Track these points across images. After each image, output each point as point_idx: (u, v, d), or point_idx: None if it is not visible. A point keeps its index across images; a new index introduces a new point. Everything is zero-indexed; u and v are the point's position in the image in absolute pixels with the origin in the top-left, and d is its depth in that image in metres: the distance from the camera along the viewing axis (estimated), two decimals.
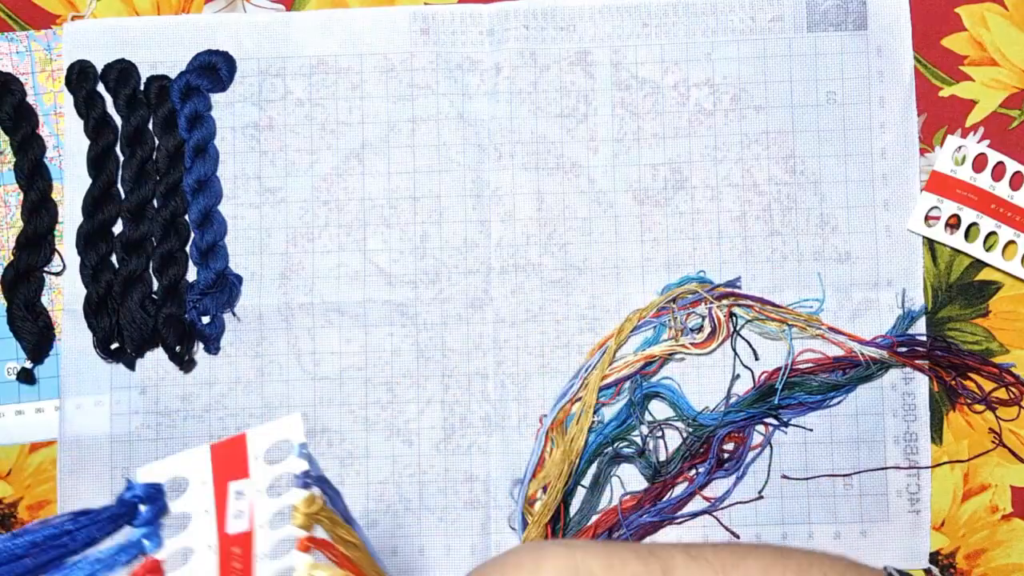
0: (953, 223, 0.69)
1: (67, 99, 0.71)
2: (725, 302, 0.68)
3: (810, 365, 0.68)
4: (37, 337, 0.69)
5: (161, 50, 0.71)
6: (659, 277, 0.70)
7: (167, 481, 0.43)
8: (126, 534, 0.43)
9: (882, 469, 0.68)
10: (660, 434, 0.68)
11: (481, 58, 0.71)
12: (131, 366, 0.69)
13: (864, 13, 0.70)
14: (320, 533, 0.44)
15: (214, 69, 0.70)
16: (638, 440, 0.68)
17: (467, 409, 0.70)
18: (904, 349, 0.68)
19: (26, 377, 0.69)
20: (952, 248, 0.69)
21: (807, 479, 0.68)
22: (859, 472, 0.68)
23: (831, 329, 0.68)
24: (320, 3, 0.72)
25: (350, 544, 0.46)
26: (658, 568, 0.47)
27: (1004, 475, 0.69)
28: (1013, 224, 0.68)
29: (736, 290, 0.69)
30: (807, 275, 0.69)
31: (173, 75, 0.70)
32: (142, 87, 0.70)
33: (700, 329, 0.68)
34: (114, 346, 0.69)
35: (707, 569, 0.48)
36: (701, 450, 0.68)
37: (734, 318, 0.69)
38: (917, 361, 0.68)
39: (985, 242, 0.68)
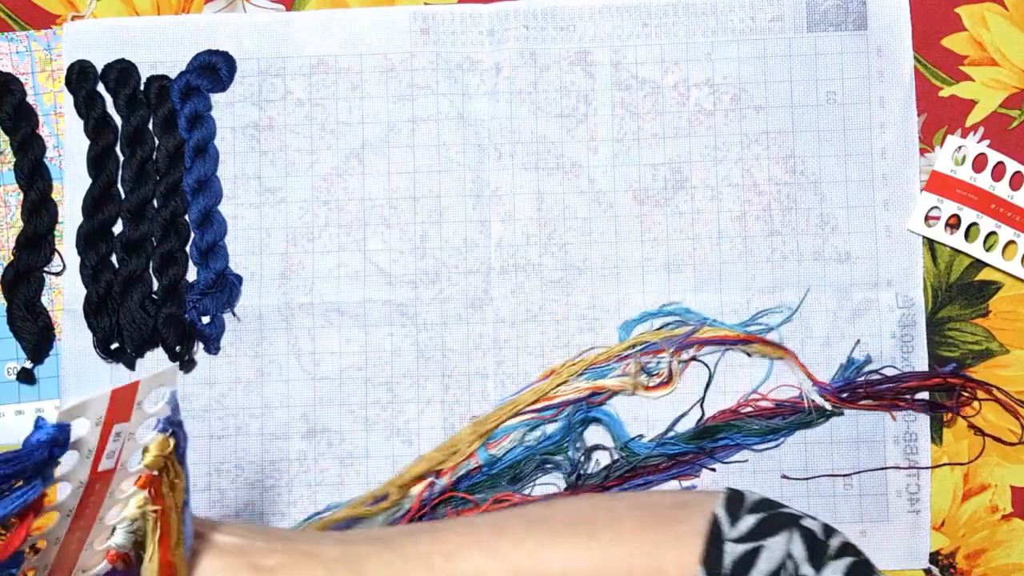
0: (953, 223, 0.69)
1: (67, 99, 0.71)
2: (685, 355, 0.69)
3: (751, 409, 0.69)
4: (37, 337, 0.69)
5: (161, 50, 0.71)
6: (659, 277, 0.70)
7: (72, 422, 0.43)
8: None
9: (882, 469, 0.68)
10: (588, 457, 0.69)
11: (481, 58, 0.71)
12: (131, 366, 0.69)
13: (864, 13, 0.70)
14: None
15: (214, 69, 0.70)
16: (569, 458, 0.68)
17: (467, 409, 0.70)
18: (846, 395, 0.68)
19: (26, 377, 0.69)
20: (952, 248, 0.69)
21: (807, 479, 0.68)
22: (859, 472, 0.68)
23: (794, 358, 0.68)
24: (320, 3, 0.72)
25: (176, 487, 0.49)
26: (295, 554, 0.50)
27: (1004, 475, 0.69)
28: (1013, 224, 0.68)
29: (701, 334, 0.69)
30: (807, 275, 0.69)
31: (173, 75, 0.70)
32: (142, 87, 0.70)
33: (657, 374, 0.69)
34: (114, 346, 0.69)
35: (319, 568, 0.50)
36: (627, 475, 0.68)
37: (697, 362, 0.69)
38: (863, 403, 0.68)
39: (985, 242, 0.68)
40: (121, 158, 0.70)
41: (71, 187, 0.70)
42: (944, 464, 0.68)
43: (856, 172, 0.70)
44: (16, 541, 0.42)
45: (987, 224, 0.68)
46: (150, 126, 0.70)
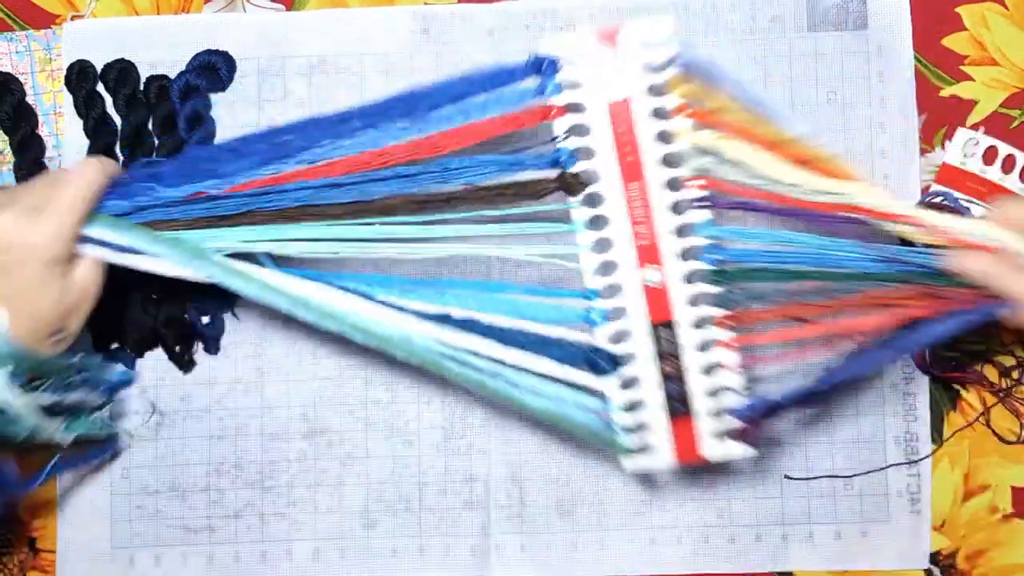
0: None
1: (67, 99, 0.70)
2: None
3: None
4: None
5: (161, 50, 0.71)
6: None
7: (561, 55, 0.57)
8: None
9: (882, 469, 0.68)
10: None
11: (481, 58, 0.70)
12: (131, 366, 0.69)
13: (864, 13, 0.70)
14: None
15: (214, 69, 0.70)
16: None
17: (467, 409, 0.70)
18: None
19: None
20: None
21: (808, 479, 0.68)
22: (859, 474, 0.68)
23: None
24: (320, 3, 0.71)
25: (728, 110, 0.56)
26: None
27: (1004, 475, 0.69)
28: None
29: None
30: None
31: (173, 75, 0.70)
32: (142, 87, 0.70)
33: None
34: (114, 346, 0.69)
35: None
36: None
37: None
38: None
39: None
40: (121, 158, 0.70)
41: None
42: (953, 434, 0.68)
43: (856, 172, 0.70)
44: None
45: None
46: (150, 126, 0.70)
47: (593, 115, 0.58)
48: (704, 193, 0.58)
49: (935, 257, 0.56)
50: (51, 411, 0.59)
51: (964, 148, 0.69)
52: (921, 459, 0.69)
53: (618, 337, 0.60)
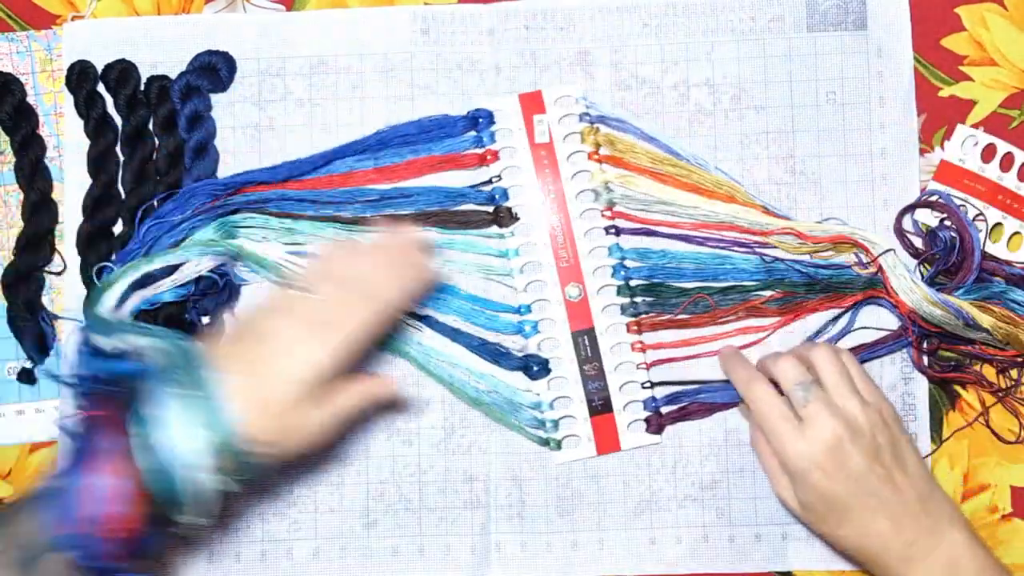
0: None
1: (67, 99, 0.71)
2: None
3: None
4: (37, 337, 0.69)
5: (161, 50, 0.71)
6: None
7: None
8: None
9: None
10: None
11: (481, 58, 0.71)
12: None
13: (864, 13, 0.70)
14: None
15: (214, 69, 0.70)
16: None
17: (467, 409, 0.70)
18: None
19: (26, 377, 0.69)
20: None
21: None
22: None
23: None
24: (320, 3, 0.72)
25: (632, 151, 0.68)
26: None
27: (1004, 475, 0.69)
28: (1020, 215, 0.68)
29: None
30: None
31: (173, 75, 0.70)
32: (142, 87, 0.70)
33: None
34: None
35: None
36: None
37: None
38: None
39: (991, 233, 0.68)
40: (121, 158, 0.70)
41: (71, 187, 0.70)
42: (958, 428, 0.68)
43: (856, 172, 0.70)
44: None
45: (993, 215, 0.68)
46: (150, 126, 0.70)
47: (521, 158, 0.69)
48: (612, 222, 0.69)
49: (809, 267, 0.68)
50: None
51: (963, 145, 0.69)
52: (921, 459, 0.69)
53: (546, 344, 0.69)
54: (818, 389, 0.59)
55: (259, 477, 0.55)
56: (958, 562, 0.57)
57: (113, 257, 0.69)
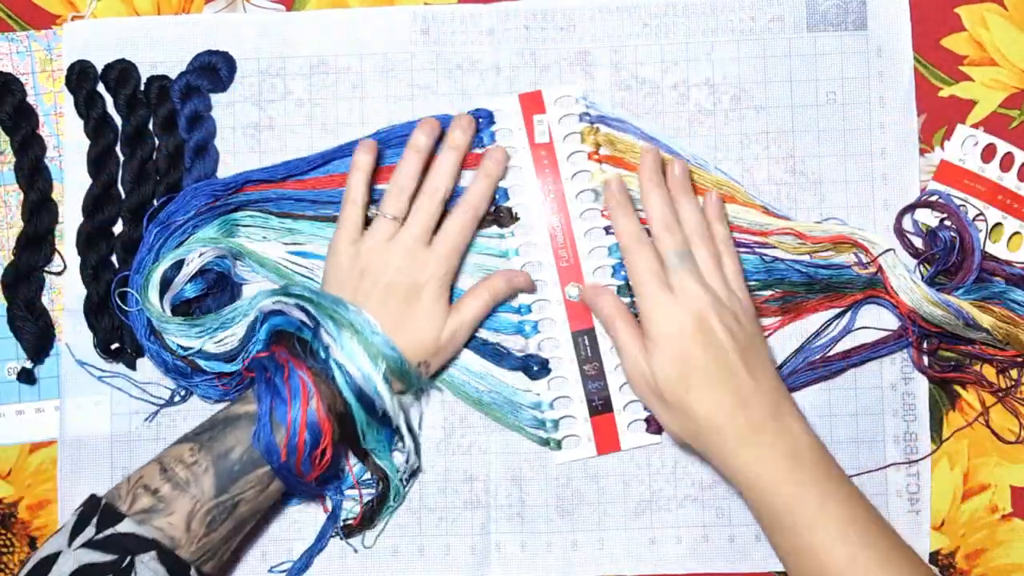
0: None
1: (67, 99, 0.71)
2: None
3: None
4: (37, 337, 0.69)
5: (161, 50, 0.71)
6: None
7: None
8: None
9: (881, 469, 0.69)
10: None
11: (481, 58, 0.71)
12: (131, 366, 0.69)
13: (864, 13, 0.70)
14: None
15: (214, 69, 0.70)
16: None
17: (467, 409, 0.70)
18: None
19: (26, 377, 0.69)
20: None
21: None
22: (859, 473, 0.68)
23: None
24: (320, 3, 0.72)
25: (630, 150, 0.68)
26: None
27: (1004, 475, 0.69)
28: (1020, 215, 0.68)
29: None
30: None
31: (173, 75, 0.70)
32: (142, 87, 0.70)
33: None
34: (114, 346, 0.69)
35: None
36: None
37: None
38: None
39: (991, 233, 0.68)
40: (121, 158, 0.70)
41: (71, 187, 0.70)
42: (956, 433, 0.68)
43: (856, 172, 0.70)
44: None
45: (993, 215, 0.68)
46: (150, 126, 0.70)
47: (521, 158, 0.69)
48: (611, 221, 0.66)
49: (809, 267, 0.68)
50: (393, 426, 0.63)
51: (963, 145, 0.69)
52: (920, 459, 0.69)
53: (546, 344, 0.69)
54: (692, 261, 0.61)
55: (422, 386, 0.66)
56: (802, 453, 0.58)
57: (113, 258, 0.69)
